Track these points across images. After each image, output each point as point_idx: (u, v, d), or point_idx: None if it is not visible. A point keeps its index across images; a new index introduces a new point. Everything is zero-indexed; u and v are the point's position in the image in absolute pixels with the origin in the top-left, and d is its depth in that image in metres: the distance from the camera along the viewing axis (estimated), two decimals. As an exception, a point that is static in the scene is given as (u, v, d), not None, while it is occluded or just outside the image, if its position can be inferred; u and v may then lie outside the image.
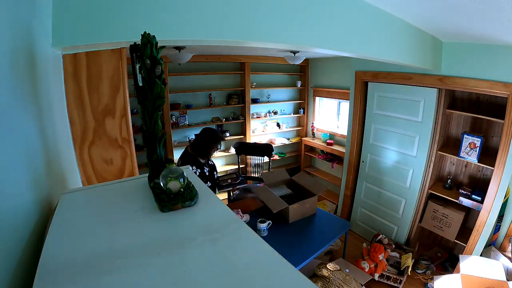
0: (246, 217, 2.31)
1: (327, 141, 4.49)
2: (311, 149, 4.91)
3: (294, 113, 5.04)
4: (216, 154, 4.33)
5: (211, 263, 0.45)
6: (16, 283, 0.44)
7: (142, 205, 0.63)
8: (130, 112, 1.20)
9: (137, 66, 0.67)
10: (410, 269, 2.66)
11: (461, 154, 2.57)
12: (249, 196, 2.86)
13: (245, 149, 3.86)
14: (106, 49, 1.07)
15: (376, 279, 2.67)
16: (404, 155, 3.01)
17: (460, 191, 2.70)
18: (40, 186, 0.64)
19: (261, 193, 2.42)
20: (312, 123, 4.91)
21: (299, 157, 5.13)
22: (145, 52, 0.63)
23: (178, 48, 2.80)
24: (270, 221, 2.22)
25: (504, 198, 2.42)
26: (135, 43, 0.67)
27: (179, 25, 1.02)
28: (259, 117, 4.61)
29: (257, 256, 0.47)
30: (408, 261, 2.66)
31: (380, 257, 2.72)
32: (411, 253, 2.78)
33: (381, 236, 3.07)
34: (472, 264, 2.34)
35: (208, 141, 2.28)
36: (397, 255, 2.85)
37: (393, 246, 3.01)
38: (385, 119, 3.13)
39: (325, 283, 2.18)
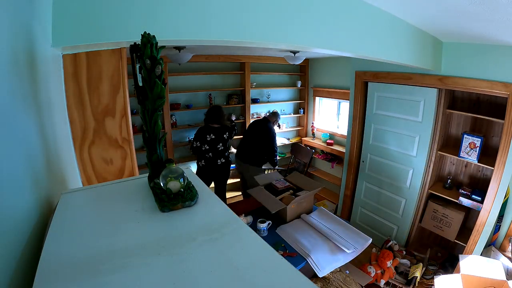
0: (249, 218, 2.31)
1: (327, 141, 4.49)
2: (311, 149, 4.91)
3: (294, 113, 5.04)
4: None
5: (211, 263, 0.45)
6: (16, 283, 0.44)
7: (142, 205, 0.63)
8: (130, 112, 1.21)
9: (137, 66, 0.67)
10: (418, 280, 2.63)
11: (461, 154, 2.57)
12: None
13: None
14: (106, 49, 1.07)
15: (382, 286, 2.66)
16: (404, 155, 3.01)
17: (460, 191, 2.70)
18: (40, 186, 0.64)
19: (258, 194, 2.42)
20: (312, 123, 4.91)
21: (299, 157, 5.12)
22: (145, 52, 0.63)
23: (178, 48, 2.80)
24: (270, 221, 2.22)
25: (504, 198, 2.42)
26: (135, 43, 0.67)
27: (179, 25, 1.02)
28: (259, 117, 4.61)
29: (257, 256, 0.47)
30: (417, 271, 2.62)
31: (388, 263, 2.69)
32: (421, 264, 2.73)
33: (391, 242, 3.03)
34: (471, 263, 2.34)
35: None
36: (408, 262, 2.82)
37: (404, 253, 2.97)
38: (385, 119, 3.13)
39: (325, 284, 2.18)
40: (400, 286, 2.65)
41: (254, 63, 4.29)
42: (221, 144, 3.18)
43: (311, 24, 1.35)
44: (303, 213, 2.42)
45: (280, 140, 4.86)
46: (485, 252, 2.57)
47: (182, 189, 0.63)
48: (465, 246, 2.60)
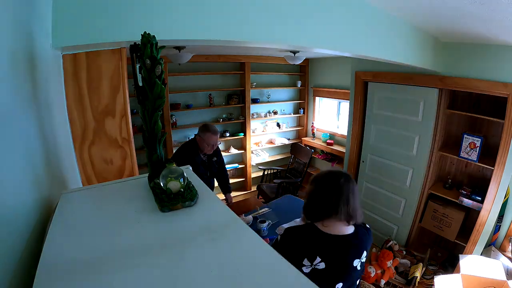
0: (249, 218, 2.31)
1: (327, 141, 4.49)
2: (311, 149, 4.91)
3: (294, 113, 5.04)
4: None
5: (211, 263, 0.45)
6: (16, 283, 0.44)
7: (142, 205, 0.63)
8: (130, 112, 1.21)
9: (137, 66, 0.67)
10: (418, 280, 2.62)
11: (461, 154, 2.56)
12: None
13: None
14: (106, 49, 1.07)
15: (382, 286, 2.65)
16: (404, 155, 3.01)
17: (460, 191, 2.70)
18: (40, 186, 0.64)
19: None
20: (312, 123, 4.91)
21: (299, 157, 5.12)
22: (145, 52, 0.63)
23: (178, 48, 2.80)
24: (270, 221, 2.22)
25: (504, 198, 2.42)
26: (135, 43, 0.67)
27: (179, 25, 1.02)
28: (259, 117, 4.61)
29: (257, 256, 0.47)
30: (417, 271, 2.62)
31: (388, 263, 2.68)
32: (421, 264, 2.72)
33: (391, 242, 3.03)
34: (472, 263, 2.34)
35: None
36: (408, 262, 2.81)
37: (404, 253, 2.96)
38: (385, 119, 3.13)
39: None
40: (400, 286, 2.64)
41: (254, 63, 4.29)
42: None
43: (311, 24, 1.35)
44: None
45: (280, 140, 4.87)
46: (485, 252, 2.57)
47: (182, 189, 0.63)
48: (465, 246, 2.60)
